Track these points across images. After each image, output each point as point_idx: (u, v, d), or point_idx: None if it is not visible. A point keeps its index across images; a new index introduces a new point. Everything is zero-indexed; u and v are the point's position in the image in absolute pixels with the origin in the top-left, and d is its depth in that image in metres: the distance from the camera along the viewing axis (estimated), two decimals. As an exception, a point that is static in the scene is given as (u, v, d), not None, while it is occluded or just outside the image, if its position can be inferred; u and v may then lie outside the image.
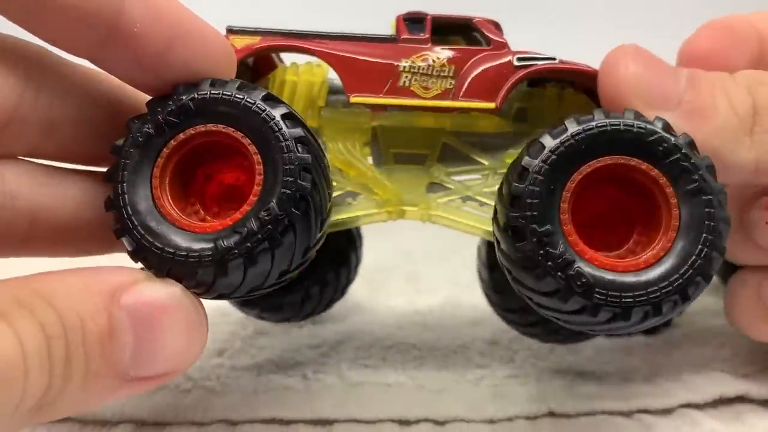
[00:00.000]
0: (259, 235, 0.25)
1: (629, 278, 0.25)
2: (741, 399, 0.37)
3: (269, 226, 0.25)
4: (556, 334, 0.38)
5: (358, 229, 0.41)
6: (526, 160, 0.26)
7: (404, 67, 0.32)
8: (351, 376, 0.38)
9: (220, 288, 0.26)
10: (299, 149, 0.26)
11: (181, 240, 0.25)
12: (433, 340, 0.43)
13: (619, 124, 0.26)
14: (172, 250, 0.25)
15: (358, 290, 0.51)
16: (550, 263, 0.25)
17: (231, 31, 0.33)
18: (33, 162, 0.28)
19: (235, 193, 0.28)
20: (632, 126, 0.26)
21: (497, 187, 0.29)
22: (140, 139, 0.26)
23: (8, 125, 0.26)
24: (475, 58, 0.32)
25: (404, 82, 0.32)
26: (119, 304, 0.23)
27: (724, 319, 0.48)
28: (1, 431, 0.21)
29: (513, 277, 0.28)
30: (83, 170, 0.30)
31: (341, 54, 0.32)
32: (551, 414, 0.35)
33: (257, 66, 0.35)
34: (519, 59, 0.32)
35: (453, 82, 0.32)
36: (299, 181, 0.26)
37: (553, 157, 0.26)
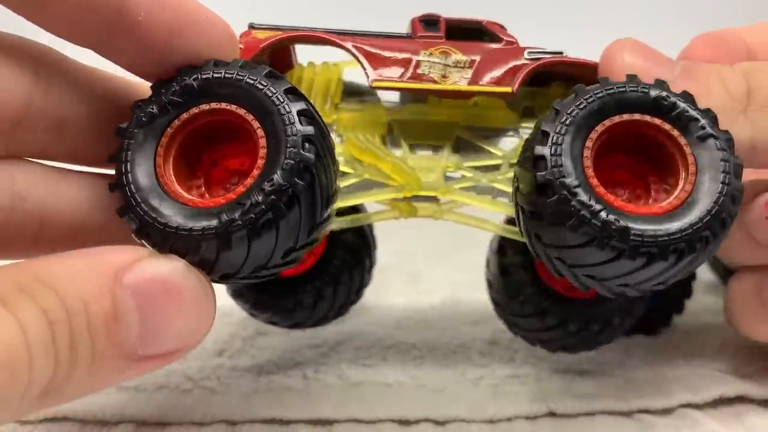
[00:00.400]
0: (263, 206, 0.25)
1: (660, 220, 0.26)
2: (741, 399, 0.37)
3: (273, 197, 0.25)
4: (566, 339, 0.38)
5: (371, 229, 0.41)
6: (544, 125, 0.28)
7: (423, 58, 0.33)
8: (351, 376, 0.38)
9: (223, 265, 0.26)
10: (302, 122, 0.26)
11: (184, 215, 0.25)
12: (433, 339, 0.43)
13: (625, 86, 0.28)
14: (175, 226, 0.25)
15: (358, 290, 0.52)
16: (583, 212, 0.26)
17: (252, 27, 0.33)
18: (43, 163, 0.28)
19: (241, 178, 0.28)
20: (636, 87, 0.28)
21: (512, 174, 0.31)
22: (144, 119, 0.27)
23: (19, 123, 0.26)
24: (489, 52, 0.33)
25: (423, 70, 0.33)
26: (122, 283, 0.22)
27: (723, 318, 0.48)
28: (7, 418, 0.20)
29: (544, 243, 0.28)
30: (93, 172, 0.30)
31: (362, 45, 0.33)
32: (551, 414, 0.35)
33: (274, 64, 0.35)
34: (529, 53, 0.34)
35: (470, 72, 0.33)
36: (302, 152, 0.25)
37: (570, 118, 0.27)
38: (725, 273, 0.52)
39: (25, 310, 0.20)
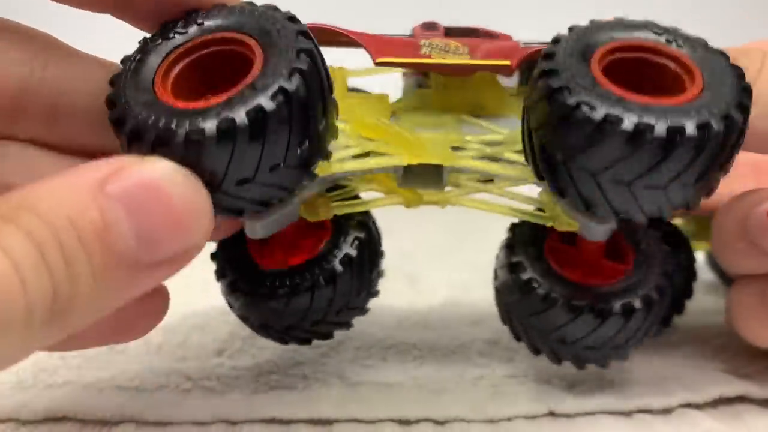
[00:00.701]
0: (257, 103, 0.25)
1: (679, 106, 0.26)
2: (741, 399, 0.37)
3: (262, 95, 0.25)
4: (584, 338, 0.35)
5: (377, 230, 0.39)
6: (546, 48, 0.28)
7: (424, 43, 0.34)
8: (351, 376, 0.38)
9: (206, 169, 0.25)
10: (299, 38, 0.26)
11: (174, 117, 0.25)
12: (432, 339, 0.43)
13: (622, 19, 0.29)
14: (168, 126, 0.24)
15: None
16: (603, 101, 0.26)
17: None
18: (36, 148, 0.28)
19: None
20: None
21: (519, 147, 0.31)
22: (147, 46, 0.27)
23: (16, 100, 0.27)
24: (486, 42, 0.34)
25: (425, 51, 0.33)
26: (107, 193, 0.21)
27: (724, 320, 0.48)
28: (20, 350, 0.20)
29: (565, 150, 0.28)
30: (108, 61, 0.30)
31: (365, 34, 0.34)
32: (551, 414, 0.35)
33: None
34: (525, 43, 0.34)
35: (469, 57, 0.33)
36: (297, 60, 0.26)
37: (571, 41, 0.28)
38: (725, 274, 0.53)
39: (9, 236, 0.19)
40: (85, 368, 0.38)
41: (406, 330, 0.45)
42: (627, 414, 0.36)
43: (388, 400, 0.36)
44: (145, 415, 0.34)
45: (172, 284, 0.52)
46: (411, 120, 0.34)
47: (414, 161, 0.32)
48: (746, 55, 0.30)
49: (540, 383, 0.38)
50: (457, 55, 0.33)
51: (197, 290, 0.52)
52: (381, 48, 0.33)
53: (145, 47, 0.27)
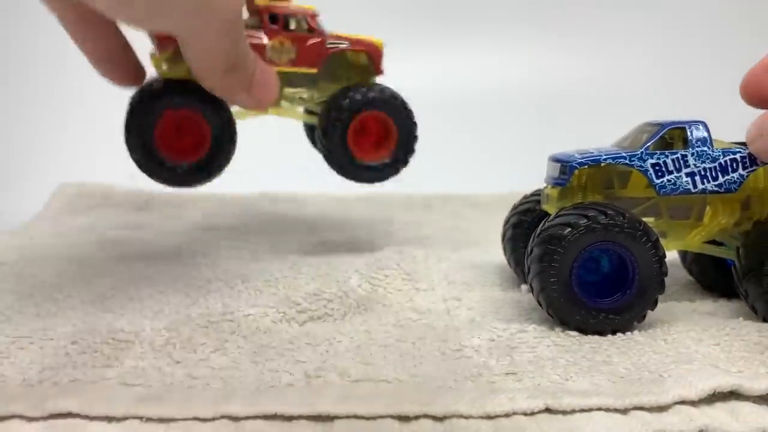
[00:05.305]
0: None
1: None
2: (735, 395, 0.37)
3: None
4: None
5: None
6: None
7: (268, 46, 0.56)
8: (351, 373, 0.39)
9: None
10: None
11: None
12: (431, 337, 0.44)
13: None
14: None
15: (357, 289, 0.52)
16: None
17: None
18: None
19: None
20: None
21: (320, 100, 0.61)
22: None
23: None
24: (306, 42, 0.57)
25: (271, 56, 0.57)
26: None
27: (718, 318, 0.49)
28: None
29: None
30: None
31: None
32: (548, 410, 0.36)
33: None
34: (330, 43, 0.58)
35: (294, 55, 0.57)
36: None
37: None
38: (700, 274, 0.54)
39: None
40: (90, 366, 0.39)
41: (405, 329, 0.46)
42: (622, 411, 0.36)
43: (388, 396, 0.36)
44: (150, 411, 0.35)
45: (174, 285, 0.53)
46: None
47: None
48: None
49: (537, 380, 0.38)
50: (287, 53, 0.57)
51: (198, 290, 0.52)
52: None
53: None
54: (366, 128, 0.59)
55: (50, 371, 0.38)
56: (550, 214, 0.47)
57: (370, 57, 0.59)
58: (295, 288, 0.51)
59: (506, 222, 0.57)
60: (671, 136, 0.49)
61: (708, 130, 0.47)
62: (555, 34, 1.17)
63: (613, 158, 0.47)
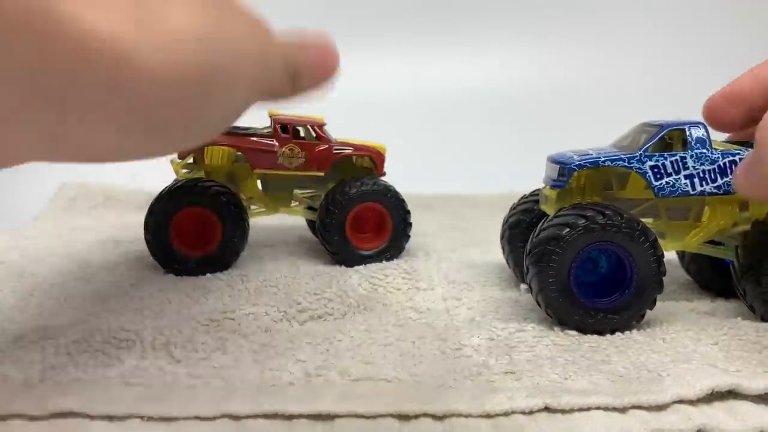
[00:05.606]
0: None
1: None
2: (734, 394, 0.37)
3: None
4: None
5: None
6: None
7: (279, 153, 0.61)
8: (352, 372, 0.39)
9: None
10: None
11: None
12: (431, 337, 0.44)
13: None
14: None
15: (358, 288, 0.52)
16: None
17: None
18: None
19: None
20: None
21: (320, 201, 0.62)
22: None
23: None
24: (313, 148, 0.62)
25: (281, 161, 0.61)
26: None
27: (716, 317, 0.49)
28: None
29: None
30: None
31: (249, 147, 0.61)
32: (547, 409, 0.36)
33: None
34: (336, 149, 0.62)
35: (304, 160, 0.61)
36: None
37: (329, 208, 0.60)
38: (698, 274, 0.54)
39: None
40: (91, 365, 0.39)
41: (405, 328, 0.46)
42: (621, 410, 0.36)
43: (388, 395, 0.37)
44: (152, 410, 0.35)
45: (175, 285, 0.53)
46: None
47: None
48: None
49: (536, 379, 0.38)
50: (297, 159, 0.61)
51: (199, 290, 0.52)
52: (256, 158, 0.61)
53: None
54: (363, 219, 0.62)
55: (52, 370, 0.38)
56: (548, 215, 0.47)
57: (373, 161, 0.64)
58: (296, 287, 0.52)
59: (505, 222, 0.57)
60: (670, 137, 0.49)
61: (707, 131, 0.48)
62: (555, 34, 1.17)
63: (612, 160, 0.47)
